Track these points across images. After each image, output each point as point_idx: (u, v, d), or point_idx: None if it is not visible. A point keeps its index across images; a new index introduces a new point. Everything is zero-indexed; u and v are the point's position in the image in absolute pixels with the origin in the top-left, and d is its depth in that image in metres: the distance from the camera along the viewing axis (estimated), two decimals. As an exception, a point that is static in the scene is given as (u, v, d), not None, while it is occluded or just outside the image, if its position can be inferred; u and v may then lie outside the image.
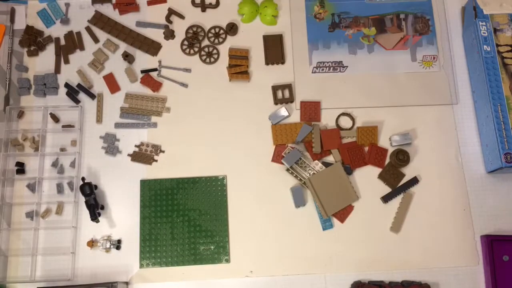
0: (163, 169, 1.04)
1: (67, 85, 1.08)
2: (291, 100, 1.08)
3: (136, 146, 1.05)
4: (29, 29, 1.11)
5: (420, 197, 1.03)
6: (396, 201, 1.02)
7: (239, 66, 1.08)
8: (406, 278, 0.98)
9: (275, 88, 1.08)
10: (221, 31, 1.12)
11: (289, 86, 1.08)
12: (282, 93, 1.08)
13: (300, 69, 1.10)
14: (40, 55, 1.11)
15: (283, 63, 1.10)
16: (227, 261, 0.99)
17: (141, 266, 0.99)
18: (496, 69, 1.03)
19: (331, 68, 1.10)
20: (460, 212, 1.01)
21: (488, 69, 1.03)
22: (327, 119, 1.07)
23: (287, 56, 1.11)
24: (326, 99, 1.08)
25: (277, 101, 1.07)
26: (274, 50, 1.10)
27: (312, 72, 1.10)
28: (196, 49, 1.11)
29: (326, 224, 1.00)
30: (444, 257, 0.99)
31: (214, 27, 1.13)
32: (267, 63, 1.10)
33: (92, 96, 1.08)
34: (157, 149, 1.04)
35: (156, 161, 1.04)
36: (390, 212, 1.02)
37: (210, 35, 1.12)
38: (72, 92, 1.08)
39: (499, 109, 1.01)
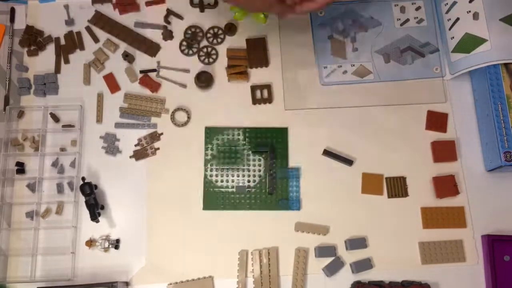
0: (165, 161, 1.05)
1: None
2: (269, 100, 1.07)
3: (135, 145, 1.05)
4: (29, 29, 1.11)
5: (419, 196, 1.02)
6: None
7: (238, 67, 1.08)
8: (406, 278, 0.97)
9: (254, 88, 1.08)
10: (220, 32, 1.12)
11: (268, 87, 1.08)
12: (261, 93, 1.08)
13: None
14: (40, 55, 1.11)
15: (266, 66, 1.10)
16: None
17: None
18: (497, 68, 1.02)
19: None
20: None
21: (489, 68, 1.02)
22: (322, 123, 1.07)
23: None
24: (320, 100, 1.08)
25: (255, 102, 1.07)
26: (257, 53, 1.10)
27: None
28: (194, 50, 1.11)
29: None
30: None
31: (212, 28, 1.13)
32: (251, 67, 1.10)
33: None
34: (156, 135, 1.05)
35: (158, 148, 1.05)
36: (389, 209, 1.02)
37: (208, 35, 1.12)
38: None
39: (499, 107, 1.00)
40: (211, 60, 1.10)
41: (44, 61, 1.11)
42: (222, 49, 1.11)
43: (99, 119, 1.07)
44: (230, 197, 1.02)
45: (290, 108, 1.07)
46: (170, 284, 0.98)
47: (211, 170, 1.03)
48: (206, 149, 1.05)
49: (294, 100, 1.07)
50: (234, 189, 1.02)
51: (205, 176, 1.03)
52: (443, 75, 1.09)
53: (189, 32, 1.12)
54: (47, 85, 1.08)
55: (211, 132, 1.06)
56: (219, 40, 1.12)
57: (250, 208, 1.02)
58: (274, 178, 1.02)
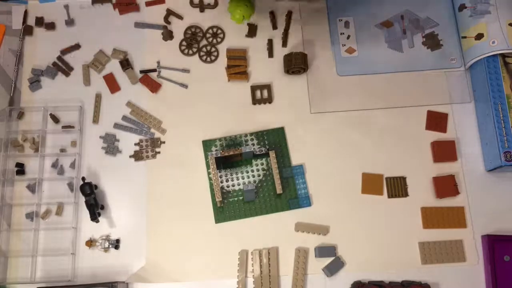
0: (166, 162, 1.05)
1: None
2: (269, 100, 1.07)
3: (135, 144, 1.05)
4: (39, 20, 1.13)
5: (419, 196, 1.02)
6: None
7: (237, 67, 1.08)
8: (406, 278, 0.98)
9: (254, 88, 1.08)
10: (219, 31, 1.12)
11: (268, 87, 1.08)
12: (261, 93, 1.08)
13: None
14: (40, 51, 1.12)
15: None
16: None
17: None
18: (497, 68, 1.03)
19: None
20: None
21: (489, 68, 1.03)
22: (324, 123, 1.07)
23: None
24: (323, 102, 1.08)
25: (255, 101, 1.07)
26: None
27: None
28: (194, 50, 1.11)
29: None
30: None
31: (212, 27, 1.13)
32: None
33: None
34: (157, 141, 1.05)
35: (159, 152, 1.05)
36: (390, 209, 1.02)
37: (208, 35, 1.12)
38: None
39: (499, 107, 1.00)
40: (212, 57, 1.10)
41: (43, 58, 1.11)
42: (222, 48, 1.12)
43: (95, 120, 1.07)
44: (240, 205, 1.02)
45: (316, 111, 1.07)
46: None
47: (215, 176, 1.00)
48: (206, 154, 1.05)
49: (320, 103, 1.08)
50: (242, 196, 1.02)
51: (210, 186, 1.03)
52: (460, 65, 1.10)
53: (189, 32, 1.12)
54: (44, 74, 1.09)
55: (209, 143, 1.06)
56: (219, 39, 1.12)
57: (261, 213, 1.02)
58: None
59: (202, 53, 1.11)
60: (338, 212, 1.01)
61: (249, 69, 1.10)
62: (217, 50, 1.11)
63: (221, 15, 1.13)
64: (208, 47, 1.11)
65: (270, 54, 1.10)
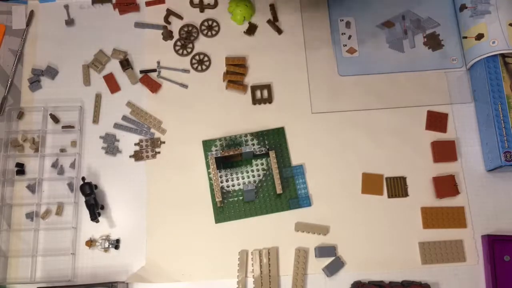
0: (166, 162, 1.05)
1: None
2: (269, 100, 1.07)
3: (135, 144, 1.05)
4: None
5: (419, 196, 1.02)
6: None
7: (236, 75, 1.08)
8: (406, 278, 0.98)
9: (253, 88, 1.08)
10: (214, 24, 1.12)
11: (268, 87, 1.08)
12: (261, 93, 1.08)
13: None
14: (38, 51, 1.12)
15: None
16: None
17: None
18: (497, 68, 1.02)
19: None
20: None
21: (489, 68, 1.03)
22: (324, 123, 1.07)
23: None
24: (324, 102, 1.08)
25: (255, 101, 1.07)
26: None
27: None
28: (189, 50, 1.11)
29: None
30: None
31: (207, 20, 1.13)
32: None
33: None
34: (157, 142, 1.05)
35: (159, 152, 1.05)
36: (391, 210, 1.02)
37: (203, 27, 1.12)
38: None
39: (499, 108, 1.00)
40: (204, 67, 1.10)
41: (43, 58, 1.11)
42: (215, 55, 1.11)
43: (95, 120, 1.07)
44: (240, 205, 1.02)
45: (317, 111, 1.07)
46: None
47: (215, 176, 1.00)
48: (206, 154, 1.05)
49: (321, 103, 1.08)
50: (242, 196, 1.02)
51: (210, 186, 1.03)
52: (461, 65, 1.10)
53: (183, 31, 1.12)
54: (45, 74, 1.09)
55: (209, 143, 1.06)
56: (214, 32, 1.12)
57: (261, 213, 1.01)
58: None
59: (194, 62, 1.10)
60: (338, 212, 1.01)
61: (249, 69, 1.10)
62: (209, 60, 1.10)
63: (221, 16, 1.13)
64: (201, 56, 1.10)
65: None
